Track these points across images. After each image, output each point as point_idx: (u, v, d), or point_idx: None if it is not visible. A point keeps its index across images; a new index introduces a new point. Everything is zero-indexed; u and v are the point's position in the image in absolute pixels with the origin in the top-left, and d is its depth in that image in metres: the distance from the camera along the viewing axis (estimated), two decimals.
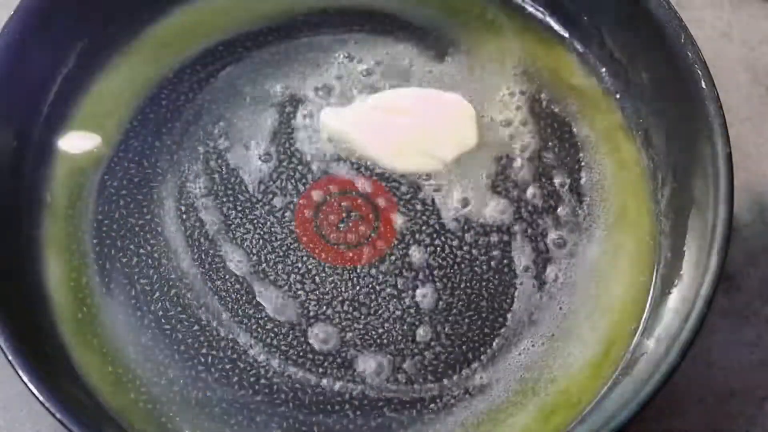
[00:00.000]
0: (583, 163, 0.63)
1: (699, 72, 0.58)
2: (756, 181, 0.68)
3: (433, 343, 0.59)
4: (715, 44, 0.70)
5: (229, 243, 0.61)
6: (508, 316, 0.60)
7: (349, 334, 0.59)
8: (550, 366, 0.59)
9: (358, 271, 0.61)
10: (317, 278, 0.61)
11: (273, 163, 0.63)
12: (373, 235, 0.61)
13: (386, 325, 0.60)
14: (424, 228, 0.62)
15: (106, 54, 0.64)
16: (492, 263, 0.61)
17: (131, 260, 0.61)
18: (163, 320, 0.60)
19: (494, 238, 0.61)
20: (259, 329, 0.59)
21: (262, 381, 0.59)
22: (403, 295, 0.60)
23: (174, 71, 0.65)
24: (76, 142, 0.63)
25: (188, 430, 0.58)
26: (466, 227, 0.62)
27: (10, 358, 0.54)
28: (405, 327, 0.60)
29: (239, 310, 0.60)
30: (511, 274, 0.61)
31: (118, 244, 0.61)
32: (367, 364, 0.59)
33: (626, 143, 0.63)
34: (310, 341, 0.59)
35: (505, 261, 0.61)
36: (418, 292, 0.60)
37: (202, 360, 0.59)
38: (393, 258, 0.61)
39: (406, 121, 0.62)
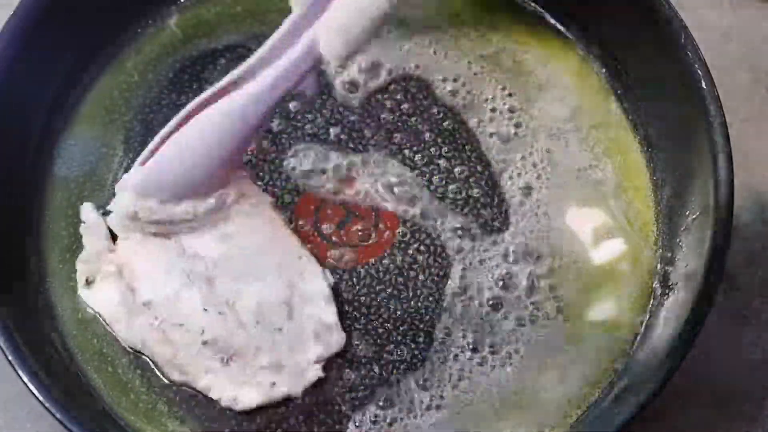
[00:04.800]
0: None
1: (699, 72, 0.58)
2: (756, 181, 0.68)
3: (433, 343, 0.59)
4: (715, 44, 0.70)
5: None
6: (508, 316, 0.60)
7: (349, 335, 0.59)
8: (549, 368, 0.59)
9: (358, 271, 0.61)
10: None
11: (274, 163, 0.63)
12: (373, 234, 0.61)
13: (386, 325, 0.60)
14: (424, 228, 0.62)
15: (106, 55, 0.64)
16: (491, 264, 0.61)
17: None
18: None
19: (497, 234, 0.61)
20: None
21: None
22: (403, 295, 0.60)
23: (174, 71, 0.65)
24: (78, 143, 0.63)
25: (188, 430, 0.58)
26: (466, 227, 0.62)
27: (10, 358, 0.54)
28: (405, 327, 0.60)
29: None
30: (512, 275, 0.61)
31: None
32: (367, 363, 0.59)
33: (626, 143, 0.63)
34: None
35: (505, 262, 0.61)
36: (419, 292, 0.60)
37: None
38: (393, 258, 0.61)
39: None
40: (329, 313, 0.58)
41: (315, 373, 0.58)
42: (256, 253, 0.59)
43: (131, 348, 0.58)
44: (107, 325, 0.59)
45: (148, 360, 0.58)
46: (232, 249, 0.59)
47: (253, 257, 0.59)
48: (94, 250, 0.59)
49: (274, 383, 0.57)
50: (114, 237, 0.60)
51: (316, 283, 0.59)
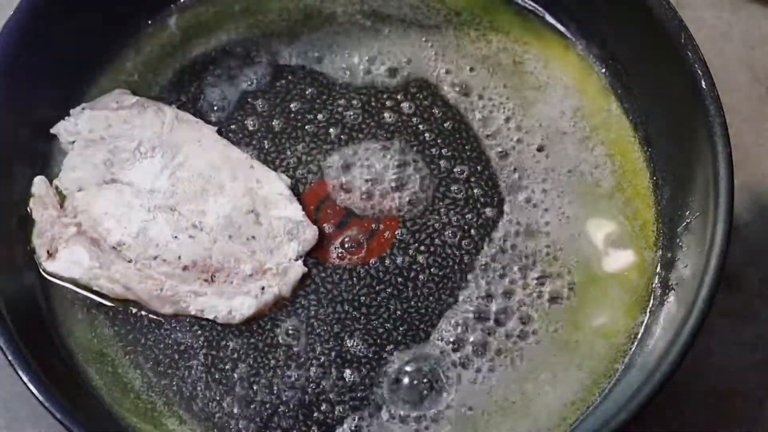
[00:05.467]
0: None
1: (699, 72, 0.58)
2: (756, 181, 0.68)
3: (432, 344, 0.59)
4: (715, 44, 0.70)
5: None
6: (508, 317, 0.60)
7: (350, 334, 0.59)
8: (549, 370, 0.59)
9: (358, 270, 0.61)
10: (317, 278, 0.61)
11: (274, 163, 0.63)
12: (373, 235, 0.61)
13: (386, 325, 0.60)
14: (424, 228, 0.62)
15: (106, 55, 0.65)
16: (491, 264, 0.61)
17: None
18: (162, 320, 0.60)
19: (497, 234, 0.61)
20: (258, 330, 0.59)
21: (262, 381, 0.59)
22: (403, 295, 0.60)
23: (174, 71, 0.65)
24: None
25: (188, 430, 0.58)
26: (466, 227, 0.62)
27: (10, 358, 0.54)
28: (405, 327, 0.60)
29: None
30: (511, 276, 0.61)
31: None
32: (367, 363, 0.59)
33: (626, 143, 0.63)
34: (310, 342, 0.59)
35: (504, 260, 0.61)
36: (419, 292, 0.60)
37: (202, 360, 0.59)
38: (393, 258, 0.61)
39: None
40: (295, 210, 0.60)
41: (298, 270, 0.59)
42: (208, 171, 0.60)
43: (118, 298, 0.59)
44: (86, 288, 0.59)
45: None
46: (184, 173, 0.60)
47: (206, 175, 0.60)
48: (46, 219, 0.59)
49: (263, 288, 0.59)
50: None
51: (274, 185, 0.60)
